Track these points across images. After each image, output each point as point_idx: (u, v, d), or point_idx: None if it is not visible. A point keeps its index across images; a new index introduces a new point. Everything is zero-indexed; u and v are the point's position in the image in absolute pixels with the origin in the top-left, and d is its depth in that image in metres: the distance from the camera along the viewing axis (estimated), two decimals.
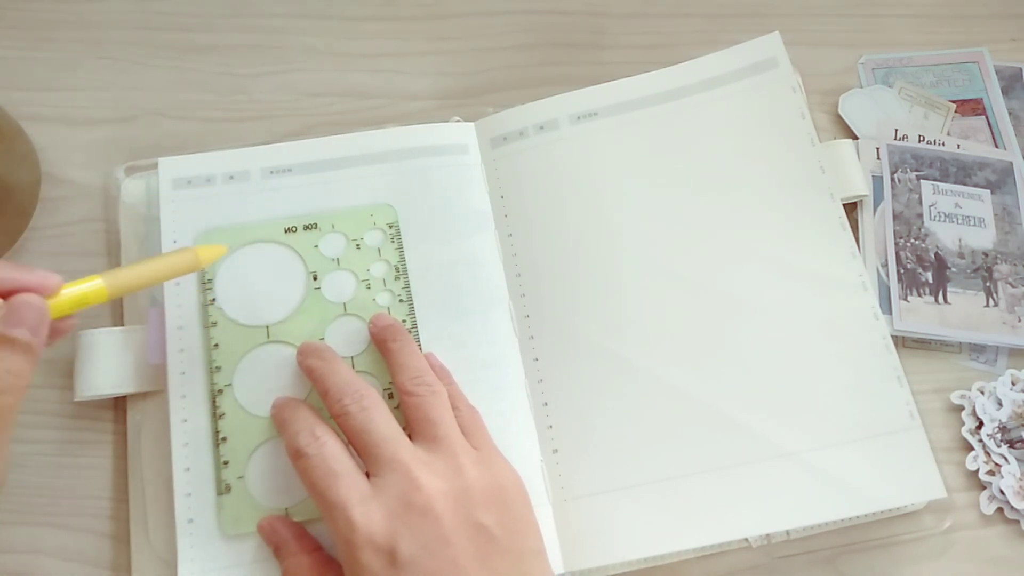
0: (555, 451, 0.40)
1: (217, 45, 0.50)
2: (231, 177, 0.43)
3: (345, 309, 0.41)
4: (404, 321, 0.41)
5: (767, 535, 0.39)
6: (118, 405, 0.41)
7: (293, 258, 0.42)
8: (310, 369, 0.38)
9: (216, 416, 0.39)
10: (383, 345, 0.39)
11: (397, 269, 0.42)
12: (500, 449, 0.38)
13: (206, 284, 0.41)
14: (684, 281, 0.42)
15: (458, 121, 0.46)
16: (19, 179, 0.43)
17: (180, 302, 0.41)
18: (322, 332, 0.40)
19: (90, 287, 0.33)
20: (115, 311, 0.43)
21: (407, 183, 0.44)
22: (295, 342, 0.40)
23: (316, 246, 0.42)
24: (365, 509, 0.32)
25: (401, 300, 0.41)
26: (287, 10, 0.51)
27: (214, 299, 0.41)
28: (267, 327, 0.40)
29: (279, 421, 0.37)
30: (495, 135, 0.46)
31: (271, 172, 0.44)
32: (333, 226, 0.43)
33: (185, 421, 0.39)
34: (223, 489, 0.38)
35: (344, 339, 0.40)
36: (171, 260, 0.35)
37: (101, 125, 0.47)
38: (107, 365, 0.40)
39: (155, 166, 0.44)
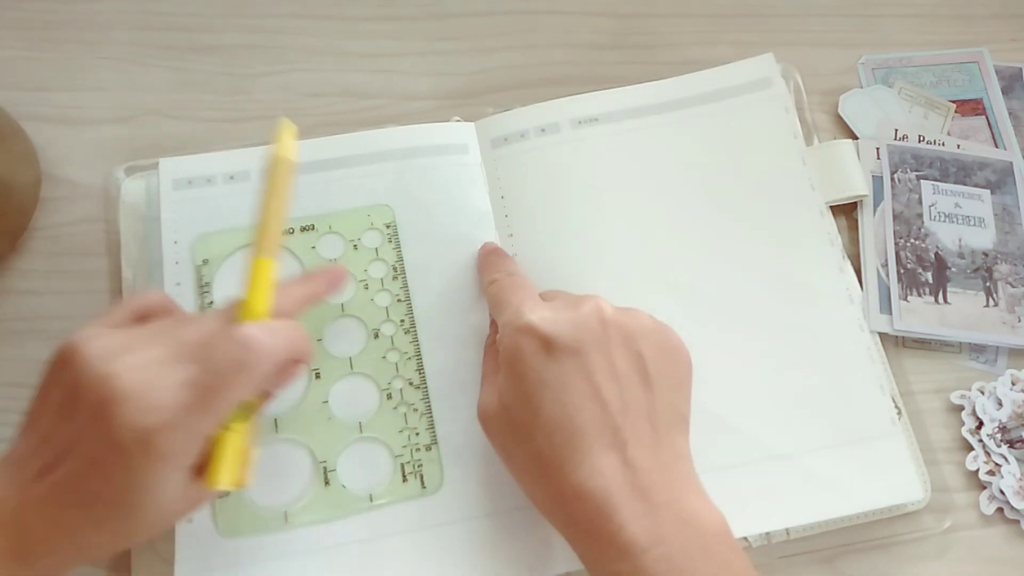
0: None
1: (217, 45, 0.50)
2: (231, 177, 0.43)
3: (343, 310, 0.41)
4: (402, 321, 0.41)
5: (767, 535, 0.39)
6: None
7: (291, 260, 0.42)
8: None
9: None
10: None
11: (395, 269, 0.42)
12: None
13: (203, 287, 0.41)
14: (678, 287, 0.43)
15: (458, 121, 0.46)
16: (19, 179, 0.43)
17: (181, 302, 0.40)
18: (320, 332, 0.41)
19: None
20: None
21: (407, 183, 0.44)
22: None
23: (314, 247, 0.42)
24: (534, 305, 0.35)
25: (399, 300, 0.41)
26: (287, 10, 0.51)
27: (212, 302, 0.41)
28: None
29: (484, 260, 0.41)
30: (496, 136, 0.46)
31: None
32: (330, 227, 0.43)
33: None
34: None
35: (343, 339, 0.40)
36: (279, 184, 0.34)
37: (101, 125, 0.47)
38: None
39: (155, 166, 0.44)
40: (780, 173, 0.45)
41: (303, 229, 0.42)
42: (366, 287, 0.42)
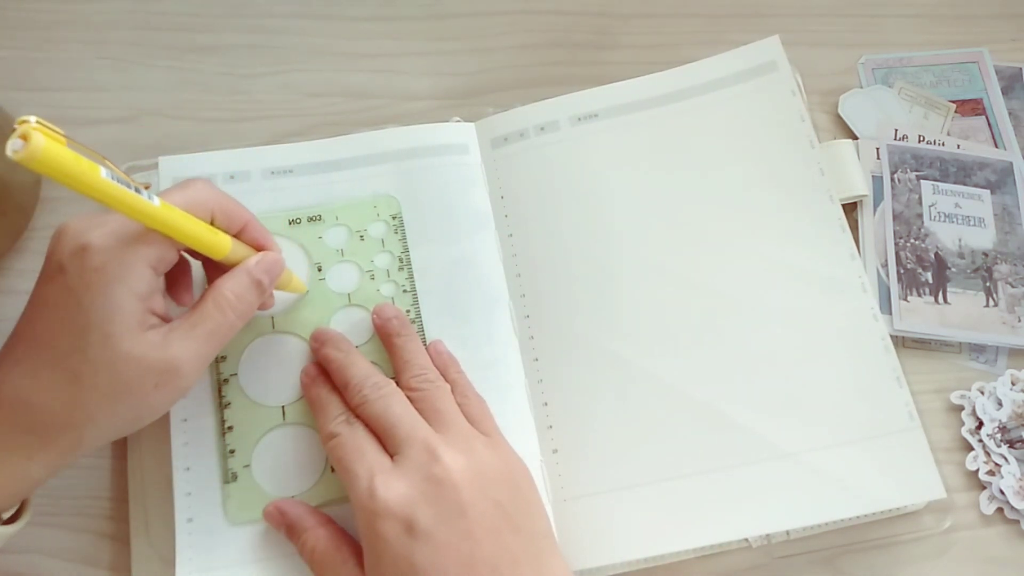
0: (555, 451, 0.40)
1: (217, 45, 0.50)
2: (232, 177, 0.43)
3: (350, 300, 0.41)
4: (408, 311, 0.41)
5: (767, 535, 0.39)
6: None
7: (297, 250, 0.42)
8: (327, 358, 0.39)
9: (222, 405, 0.39)
10: (387, 339, 0.40)
11: (400, 260, 0.42)
12: None
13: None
14: (684, 282, 0.42)
15: (458, 121, 0.46)
16: (19, 179, 0.43)
17: None
18: (327, 322, 0.41)
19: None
20: None
21: (407, 183, 0.44)
22: (300, 332, 0.40)
23: (320, 237, 0.42)
24: (386, 479, 0.33)
25: (405, 291, 0.42)
26: (287, 10, 0.51)
27: None
28: (272, 317, 0.40)
29: (313, 398, 0.38)
30: (495, 135, 0.46)
31: (272, 173, 0.44)
32: (337, 218, 0.43)
33: (185, 420, 0.39)
34: (229, 478, 0.38)
35: (349, 329, 0.41)
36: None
37: (101, 125, 0.47)
38: None
39: (155, 166, 0.44)
40: (789, 159, 0.44)
41: (310, 219, 0.43)
42: (372, 277, 0.42)
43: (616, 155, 0.45)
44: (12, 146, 0.26)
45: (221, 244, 0.34)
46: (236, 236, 0.35)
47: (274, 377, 0.40)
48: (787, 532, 0.39)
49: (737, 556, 0.39)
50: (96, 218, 0.32)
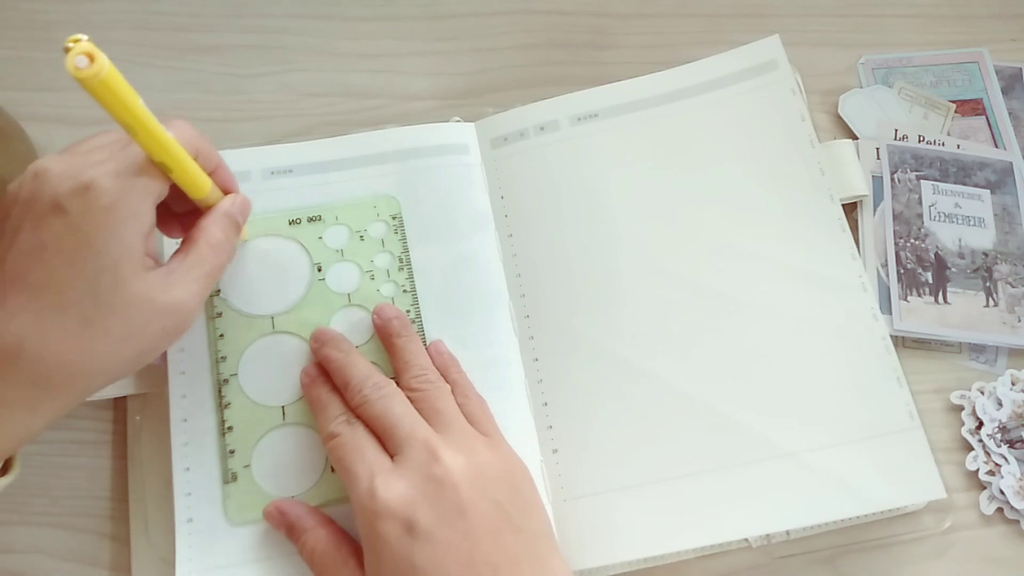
0: (555, 451, 0.40)
1: (217, 45, 0.50)
2: None
3: (350, 300, 0.41)
4: (408, 312, 0.41)
5: (767, 535, 0.39)
6: (118, 405, 0.41)
7: (298, 250, 0.42)
8: (327, 359, 0.38)
9: (222, 406, 0.39)
10: (387, 339, 0.40)
11: (400, 260, 0.42)
12: None
13: (215, 292, 0.41)
14: (684, 282, 0.42)
15: (458, 121, 0.46)
16: None
17: None
18: (327, 322, 0.41)
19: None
20: None
21: (407, 183, 0.44)
22: (300, 332, 0.40)
23: (320, 237, 0.42)
24: (386, 479, 0.33)
25: (405, 291, 0.42)
26: (287, 10, 0.51)
27: (219, 290, 0.41)
28: (272, 317, 0.41)
29: (313, 398, 0.38)
30: (495, 135, 0.46)
31: (272, 173, 0.44)
32: (337, 218, 0.43)
33: (185, 420, 0.39)
34: (229, 478, 0.38)
35: (349, 329, 0.41)
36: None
37: (101, 125, 0.47)
38: None
39: None
40: (789, 158, 0.44)
41: (310, 220, 0.43)
42: (372, 277, 0.42)
43: (616, 155, 0.45)
44: (77, 62, 0.26)
45: (206, 181, 0.34)
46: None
47: (274, 376, 0.40)
48: (787, 532, 0.39)
49: (737, 556, 0.39)
50: (85, 156, 0.31)
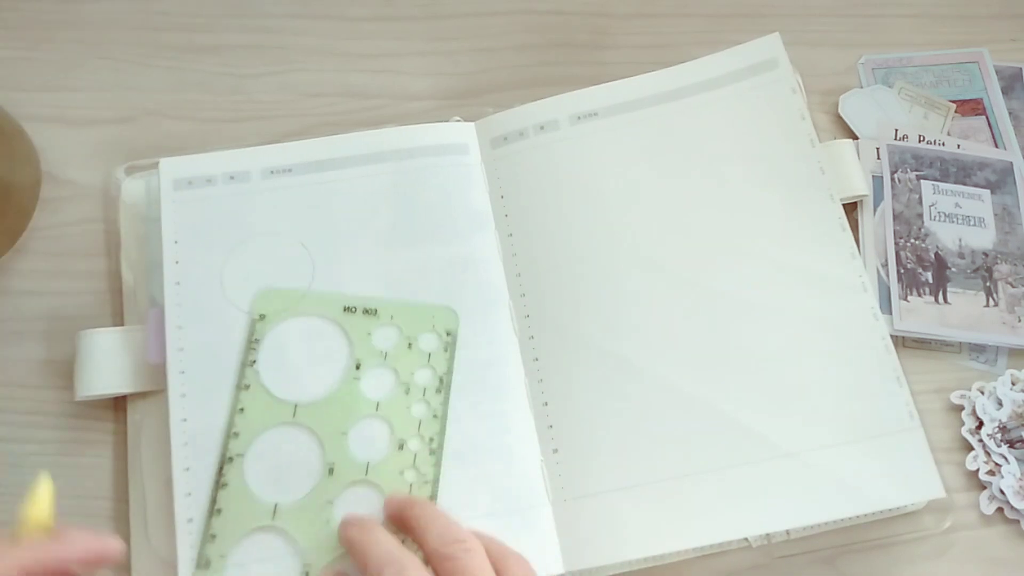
0: (555, 451, 0.40)
1: (217, 45, 0.50)
2: (231, 177, 0.43)
3: (377, 408, 0.39)
4: (431, 440, 0.39)
5: (767, 535, 0.39)
6: (118, 405, 0.41)
7: (343, 341, 0.40)
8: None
9: (219, 485, 0.37)
10: (403, 521, 0.36)
11: (441, 381, 0.40)
12: (500, 450, 0.37)
13: (252, 343, 0.40)
14: (684, 281, 0.42)
15: (458, 121, 0.46)
16: (19, 179, 0.43)
17: (180, 301, 0.40)
18: (346, 428, 0.39)
19: None
20: (115, 311, 0.43)
21: (407, 183, 0.44)
22: (319, 431, 0.38)
23: (369, 334, 0.40)
24: None
25: (435, 416, 0.39)
26: (287, 10, 0.51)
27: (255, 360, 0.40)
28: (295, 406, 0.39)
29: (354, 544, 0.35)
30: (495, 135, 0.46)
31: (272, 172, 0.44)
32: (392, 317, 0.41)
33: (185, 420, 0.39)
34: (203, 563, 0.36)
35: (367, 442, 0.39)
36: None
37: (101, 125, 0.47)
38: (107, 365, 0.40)
39: (155, 166, 0.43)
40: (789, 157, 0.44)
41: (365, 312, 0.41)
42: (407, 392, 0.40)
43: (616, 153, 0.45)
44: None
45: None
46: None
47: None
48: (787, 532, 0.39)
49: (737, 556, 0.39)
50: None
